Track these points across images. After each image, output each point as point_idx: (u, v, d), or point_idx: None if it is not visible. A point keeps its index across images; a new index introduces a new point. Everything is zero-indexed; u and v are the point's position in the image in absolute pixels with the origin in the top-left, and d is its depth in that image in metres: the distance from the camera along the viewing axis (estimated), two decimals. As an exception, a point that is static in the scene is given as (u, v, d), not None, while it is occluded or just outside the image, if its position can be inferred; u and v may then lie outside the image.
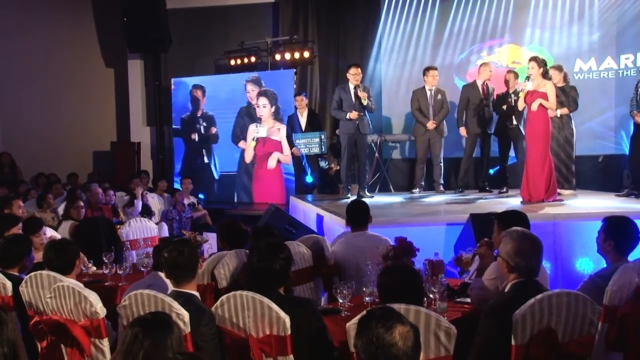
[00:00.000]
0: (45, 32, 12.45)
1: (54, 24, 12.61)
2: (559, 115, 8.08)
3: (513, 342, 2.83)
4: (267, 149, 11.36)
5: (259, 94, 11.40)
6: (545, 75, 7.27)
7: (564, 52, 10.33)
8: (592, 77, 10.22)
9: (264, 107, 11.37)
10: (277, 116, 11.26)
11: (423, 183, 9.11)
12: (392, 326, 2.09)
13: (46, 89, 12.44)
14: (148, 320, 2.38)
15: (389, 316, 2.14)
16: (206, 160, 11.94)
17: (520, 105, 7.51)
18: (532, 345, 2.82)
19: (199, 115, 11.98)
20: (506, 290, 3.20)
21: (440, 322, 2.78)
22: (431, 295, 3.66)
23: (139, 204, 8.56)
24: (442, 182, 9.05)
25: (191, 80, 12.11)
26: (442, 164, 9.01)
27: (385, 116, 11.26)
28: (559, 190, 7.65)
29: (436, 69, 9.09)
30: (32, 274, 3.86)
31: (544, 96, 7.15)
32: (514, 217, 4.09)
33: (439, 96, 8.93)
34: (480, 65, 9.26)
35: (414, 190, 9.02)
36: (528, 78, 7.35)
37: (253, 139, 11.49)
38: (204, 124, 11.95)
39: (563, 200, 7.31)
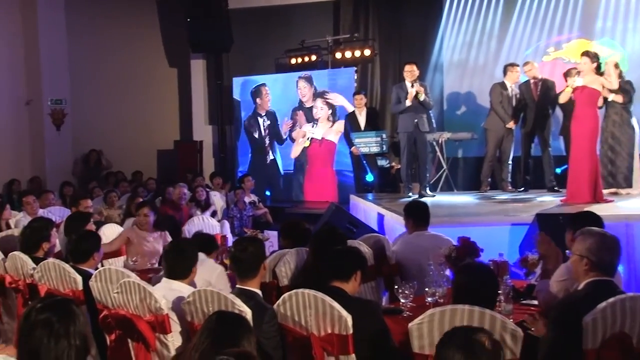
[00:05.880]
0: (111, 34, 12.80)
1: (120, 25, 12.95)
2: (610, 99, 7.81)
3: (584, 346, 2.74)
4: (323, 150, 11.42)
5: (317, 96, 11.47)
6: (598, 70, 7.02)
7: (638, 46, 9.93)
8: (667, 72, 9.79)
9: (322, 109, 11.43)
10: (334, 118, 11.29)
11: (490, 181, 8.95)
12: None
13: (112, 88, 12.76)
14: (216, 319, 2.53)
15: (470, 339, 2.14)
16: (272, 157, 12.08)
17: (563, 98, 7.33)
18: (604, 350, 2.72)
19: (262, 113, 12.13)
20: (579, 288, 3.10)
21: (506, 324, 2.73)
22: (496, 297, 3.59)
23: (212, 208, 8.83)
24: (510, 180, 8.87)
25: (255, 79, 12.27)
26: (511, 163, 8.84)
27: (448, 114, 11.11)
28: (616, 190, 7.54)
29: (519, 65, 8.89)
30: (101, 268, 3.99)
31: (595, 93, 6.93)
32: (588, 219, 3.96)
33: (517, 94, 8.75)
34: (524, 64, 8.97)
35: (484, 189, 8.85)
36: (579, 73, 7.15)
37: (308, 138, 11.57)
38: (268, 122, 12.09)
39: (614, 201, 7.07)
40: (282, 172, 12.03)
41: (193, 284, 3.91)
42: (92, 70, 12.56)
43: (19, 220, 7.02)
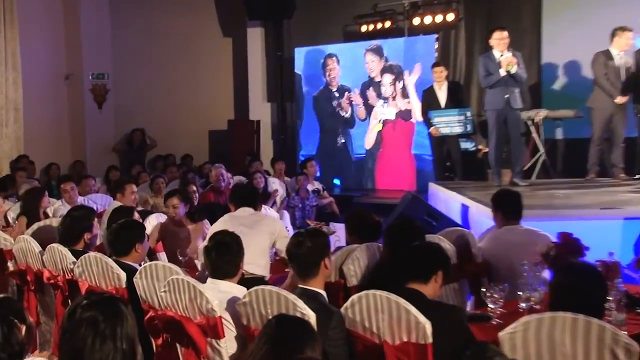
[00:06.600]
0: (158, 1, 13.03)
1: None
2: None
3: None
4: (398, 131, 11.34)
5: (383, 70, 11.45)
6: None
7: None
8: None
9: (390, 85, 11.35)
10: (405, 92, 11.22)
11: (599, 168, 8.69)
12: None
13: (159, 61, 13.01)
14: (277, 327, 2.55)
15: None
16: (342, 141, 12.10)
17: None
18: None
19: (333, 89, 12.14)
20: None
21: (618, 336, 2.65)
22: (605, 304, 3.49)
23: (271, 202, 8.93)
24: (622, 166, 8.58)
25: (320, 50, 12.29)
26: (623, 145, 8.55)
27: (546, 88, 10.82)
28: None
29: (631, 30, 8.56)
30: (147, 264, 4.07)
31: None
32: None
33: (629, 64, 8.43)
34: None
35: (591, 176, 8.63)
36: None
37: (379, 120, 11.51)
38: (340, 99, 12.09)
39: None
40: (352, 157, 12.01)
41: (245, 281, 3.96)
42: (136, 41, 12.80)
43: (57, 209, 7.25)
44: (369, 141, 11.78)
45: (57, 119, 12.21)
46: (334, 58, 12.08)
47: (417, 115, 10.85)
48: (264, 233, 4.90)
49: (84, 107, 12.33)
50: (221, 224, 5.07)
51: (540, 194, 7.51)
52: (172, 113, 12.96)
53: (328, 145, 12.28)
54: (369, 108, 11.70)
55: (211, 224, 5.69)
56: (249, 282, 4.05)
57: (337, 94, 12.11)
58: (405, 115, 11.33)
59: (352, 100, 11.86)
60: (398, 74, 11.33)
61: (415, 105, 10.98)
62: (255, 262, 4.79)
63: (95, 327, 2.33)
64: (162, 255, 5.78)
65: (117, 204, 6.56)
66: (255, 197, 5.30)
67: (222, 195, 8.34)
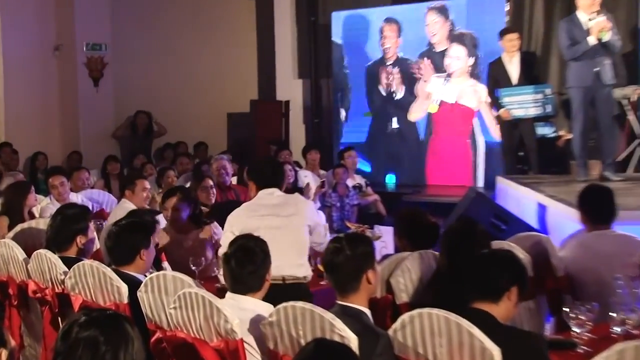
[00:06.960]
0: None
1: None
2: None
3: None
4: (456, 116, 11.31)
5: (452, 40, 11.38)
6: None
7: None
8: None
9: (458, 59, 11.28)
10: (475, 71, 11.16)
11: None
12: None
13: (167, 30, 13.07)
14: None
15: None
16: (395, 125, 12.06)
17: None
18: None
19: (389, 63, 12.09)
20: None
21: None
22: None
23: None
24: None
25: (363, 14, 12.25)
26: None
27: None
28: None
29: None
30: (154, 274, 4.10)
31: None
32: None
33: None
34: None
35: None
36: None
37: (435, 101, 11.43)
38: (399, 75, 11.98)
39: None
40: (408, 145, 11.94)
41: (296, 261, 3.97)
42: (140, 5, 12.89)
43: (44, 208, 7.30)
44: (414, 114, 11.74)
45: (45, 99, 12.31)
46: (395, 25, 11.96)
47: (482, 99, 10.81)
48: (300, 222, 4.85)
49: (77, 84, 12.41)
50: (244, 214, 4.99)
51: (637, 191, 7.43)
52: (183, 92, 13.03)
53: (380, 131, 12.22)
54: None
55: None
56: (292, 289, 4.11)
57: (392, 69, 12.02)
58: (465, 99, 11.25)
59: (416, 72, 11.76)
60: (471, 47, 11.22)
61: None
62: (294, 260, 4.74)
63: (94, 350, 2.33)
64: (167, 266, 5.82)
65: (125, 203, 6.63)
66: (281, 174, 5.27)
67: (230, 191, 8.36)
